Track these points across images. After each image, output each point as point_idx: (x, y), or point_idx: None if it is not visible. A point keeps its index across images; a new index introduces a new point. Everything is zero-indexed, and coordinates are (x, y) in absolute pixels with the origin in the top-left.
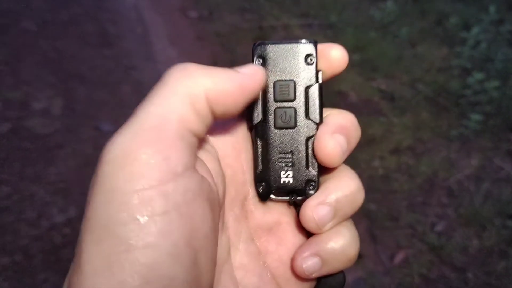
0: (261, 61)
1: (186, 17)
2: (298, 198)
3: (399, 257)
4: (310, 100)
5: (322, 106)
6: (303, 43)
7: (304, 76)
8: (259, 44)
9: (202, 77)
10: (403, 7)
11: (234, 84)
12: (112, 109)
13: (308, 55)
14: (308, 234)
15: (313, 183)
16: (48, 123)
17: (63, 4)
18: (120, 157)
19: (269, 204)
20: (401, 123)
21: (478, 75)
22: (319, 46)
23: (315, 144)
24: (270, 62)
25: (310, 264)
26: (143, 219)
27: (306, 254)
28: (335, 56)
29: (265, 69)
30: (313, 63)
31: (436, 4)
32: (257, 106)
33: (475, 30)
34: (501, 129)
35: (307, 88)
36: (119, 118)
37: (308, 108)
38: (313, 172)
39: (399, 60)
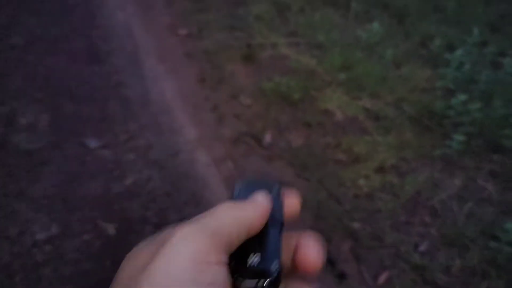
0: (238, 190)
1: (175, 35)
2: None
3: (383, 277)
4: (276, 208)
5: (283, 212)
6: (273, 181)
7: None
8: (239, 181)
9: (244, 210)
10: (389, 28)
11: (259, 212)
12: (99, 125)
13: (275, 189)
14: None
15: (278, 264)
16: (34, 139)
17: (53, 20)
18: (188, 237)
19: None
20: (385, 142)
21: (462, 96)
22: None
23: (298, 251)
24: (244, 188)
25: None
26: (194, 283)
27: None
28: (292, 202)
29: (240, 191)
30: (277, 195)
31: (421, 26)
32: None
33: (458, 51)
34: (483, 149)
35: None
36: (106, 134)
37: (274, 213)
38: (277, 254)
39: (384, 80)
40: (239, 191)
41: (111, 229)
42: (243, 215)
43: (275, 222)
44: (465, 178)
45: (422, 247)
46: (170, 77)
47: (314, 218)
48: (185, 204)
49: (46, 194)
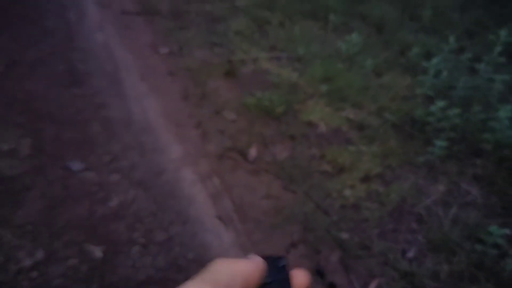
0: None
1: (156, 53)
2: None
3: (373, 286)
4: (284, 282)
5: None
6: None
7: (279, 270)
8: None
9: (239, 265)
10: (368, 38)
11: (254, 265)
12: (82, 147)
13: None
14: None
15: None
16: (16, 165)
17: (33, 44)
18: None
19: None
20: (370, 151)
21: (441, 103)
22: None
23: None
24: None
25: None
26: None
27: None
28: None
29: None
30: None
31: (399, 35)
32: None
33: (435, 59)
34: (465, 154)
35: (281, 277)
36: (89, 157)
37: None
38: None
39: (365, 90)
40: None
41: (97, 252)
42: (238, 267)
43: None
44: (449, 183)
45: (410, 254)
46: (152, 96)
47: (302, 230)
48: (171, 224)
49: (30, 220)
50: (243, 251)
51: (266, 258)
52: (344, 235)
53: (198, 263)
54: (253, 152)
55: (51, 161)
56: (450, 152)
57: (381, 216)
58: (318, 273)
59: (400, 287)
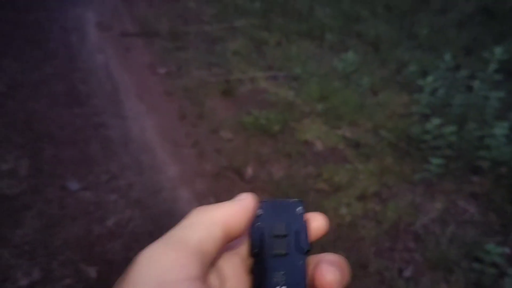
0: (261, 210)
1: (154, 74)
2: None
3: None
4: (301, 233)
5: (308, 237)
6: (294, 200)
7: (295, 219)
8: (259, 202)
9: (216, 210)
10: (364, 56)
11: (237, 207)
12: (80, 167)
13: (298, 206)
14: None
15: None
16: (14, 184)
17: (35, 65)
18: (150, 257)
19: None
20: (366, 169)
21: (436, 120)
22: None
23: (315, 272)
24: (269, 210)
25: None
26: None
27: None
28: (317, 224)
29: (263, 215)
30: (301, 210)
31: (396, 52)
32: (256, 239)
33: (431, 77)
34: (462, 171)
35: (297, 227)
36: (87, 176)
37: (299, 239)
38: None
39: (362, 108)
40: (262, 211)
41: (92, 272)
42: (215, 215)
43: (300, 248)
44: (446, 201)
45: (407, 273)
46: (150, 116)
47: None
48: None
49: (27, 239)
50: None
51: (281, 203)
52: (341, 254)
53: None
54: (249, 171)
55: (49, 181)
56: (446, 169)
57: (378, 235)
58: None
59: None
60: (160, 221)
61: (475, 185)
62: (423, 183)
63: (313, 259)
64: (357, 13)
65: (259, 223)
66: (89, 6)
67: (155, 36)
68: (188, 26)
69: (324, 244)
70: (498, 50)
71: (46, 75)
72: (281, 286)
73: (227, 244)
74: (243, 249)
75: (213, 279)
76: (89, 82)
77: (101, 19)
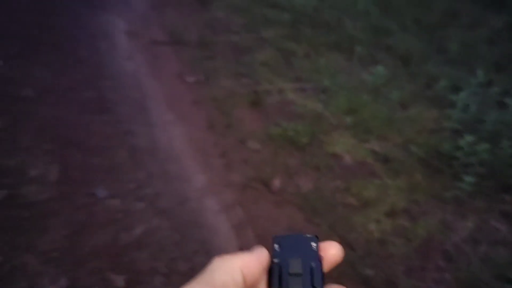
0: (278, 245)
1: (183, 82)
2: None
3: None
4: (315, 273)
5: (323, 277)
6: (309, 236)
7: (310, 256)
8: (276, 236)
9: (236, 258)
10: (393, 70)
11: (254, 257)
12: (108, 174)
13: (312, 242)
14: None
15: None
16: (43, 190)
17: (64, 72)
18: None
19: None
20: (395, 185)
21: (469, 137)
22: (322, 244)
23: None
24: (285, 245)
25: None
26: None
27: None
28: (333, 254)
29: (280, 251)
30: (316, 247)
31: (425, 67)
32: (275, 277)
33: (463, 93)
34: (494, 190)
35: (312, 264)
36: (115, 184)
37: (313, 278)
38: None
39: (391, 122)
40: (279, 247)
41: (120, 281)
42: (236, 262)
43: (316, 278)
44: (478, 220)
45: None
46: (178, 125)
47: None
48: (195, 253)
49: (55, 246)
50: None
51: (295, 238)
52: (369, 271)
53: None
54: (276, 183)
55: (77, 188)
56: (478, 188)
57: (408, 253)
58: None
59: None
60: (187, 231)
61: (507, 204)
62: (454, 201)
63: None
64: (386, 26)
65: (276, 259)
66: (118, 13)
67: (183, 45)
68: (216, 35)
69: (353, 261)
70: None
71: (75, 82)
72: None
73: None
74: None
75: None
76: (117, 90)
77: (130, 27)
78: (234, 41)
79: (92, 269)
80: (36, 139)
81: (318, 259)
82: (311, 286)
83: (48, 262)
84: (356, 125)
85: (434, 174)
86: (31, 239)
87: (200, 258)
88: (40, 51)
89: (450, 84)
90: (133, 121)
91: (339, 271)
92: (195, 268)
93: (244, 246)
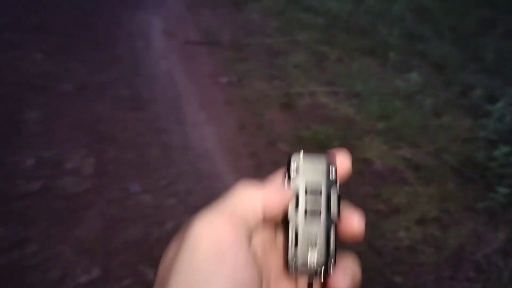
0: (294, 167)
1: (216, 83)
2: (320, 273)
3: None
4: (332, 204)
5: (340, 208)
6: (327, 156)
7: (328, 184)
8: (293, 155)
9: (258, 192)
10: (428, 78)
11: (278, 200)
12: (141, 170)
13: (330, 166)
14: None
15: (332, 265)
16: (78, 183)
17: (101, 68)
18: (205, 226)
19: (287, 282)
20: (426, 193)
21: (504, 148)
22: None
23: (342, 224)
24: (302, 169)
25: None
26: (217, 272)
27: None
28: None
29: (299, 168)
30: (334, 174)
31: (460, 75)
32: (292, 200)
33: (500, 103)
34: None
35: (329, 194)
36: (147, 180)
37: (329, 209)
38: (332, 254)
39: (424, 130)
40: (296, 171)
41: (151, 274)
42: (257, 193)
43: (330, 214)
44: (510, 232)
45: None
46: (210, 124)
47: None
48: None
49: (88, 237)
50: None
51: (315, 157)
52: (398, 279)
53: None
54: None
55: (111, 182)
56: (511, 199)
57: (437, 262)
58: None
59: None
60: None
61: None
62: (486, 212)
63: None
64: (421, 32)
65: (294, 177)
66: (155, 13)
67: (217, 46)
68: (250, 37)
69: (382, 267)
70: None
71: (112, 78)
72: (311, 253)
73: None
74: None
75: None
76: (152, 88)
77: (166, 26)
78: (267, 43)
79: (123, 262)
80: (73, 132)
81: (335, 184)
82: (327, 214)
83: (82, 252)
84: (388, 131)
85: (466, 184)
86: (66, 229)
87: None
88: (79, 48)
89: (485, 94)
90: (166, 119)
91: (367, 277)
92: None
93: None
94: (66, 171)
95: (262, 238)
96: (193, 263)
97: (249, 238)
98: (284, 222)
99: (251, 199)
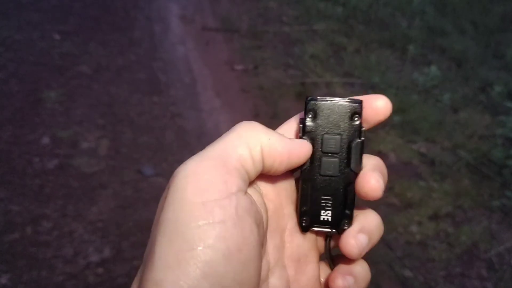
0: (312, 114)
1: (232, 70)
2: (334, 231)
3: None
4: (353, 153)
5: (361, 158)
6: (351, 102)
7: (349, 132)
8: (311, 99)
9: (262, 134)
10: (447, 72)
11: (284, 149)
12: (155, 153)
13: (354, 114)
14: (328, 266)
15: (348, 221)
16: (93, 163)
17: (119, 51)
18: (190, 175)
19: (303, 238)
20: (441, 188)
21: None
22: (366, 96)
23: (359, 181)
24: (320, 116)
25: (347, 282)
26: (205, 225)
27: (343, 276)
28: (380, 105)
29: (315, 121)
30: (358, 121)
31: (480, 71)
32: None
33: None
34: None
35: (350, 142)
36: (161, 163)
37: (350, 159)
38: (348, 212)
39: (440, 125)
40: (313, 118)
41: None
42: (263, 140)
43: (350, 170)
44: None
45: None
46: (225, 111)
47: None
48: None
49: (101, 217)
50: None
51: (335, 103)
52: (408, 273)
53: None
54: None
55: (126, 163)
56: None
57: (449, 258)
58: None
59: None
60: None
61: None
62: (501, 210)
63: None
64: (441, 26)
65: (310, 128)
66: None
67: (234, 33)
68: (267, 25)
69: (392, 261)
70: None
71: (129, 62)
72: (326, 211)
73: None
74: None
75: (252, 193)
76: (168, 72)
77: (184, 12)
78: (285, 32)
79: (135, 242)
80: (89, 113)
81: (359, 135)
82: (346, 167)
83: (94, 231)
84: (403, 125)
85: (482, 181)
86: (79, 208)
87: None
88: (98, 30)
89: (505, 91)
90: (182, 104)
91: (377, 270)
92: None
93: None
94: (81, 151)
95: (278, 188)
96: (178, 222)
97: (244, 187)
98: (298, 174)
99: (251, 142)
